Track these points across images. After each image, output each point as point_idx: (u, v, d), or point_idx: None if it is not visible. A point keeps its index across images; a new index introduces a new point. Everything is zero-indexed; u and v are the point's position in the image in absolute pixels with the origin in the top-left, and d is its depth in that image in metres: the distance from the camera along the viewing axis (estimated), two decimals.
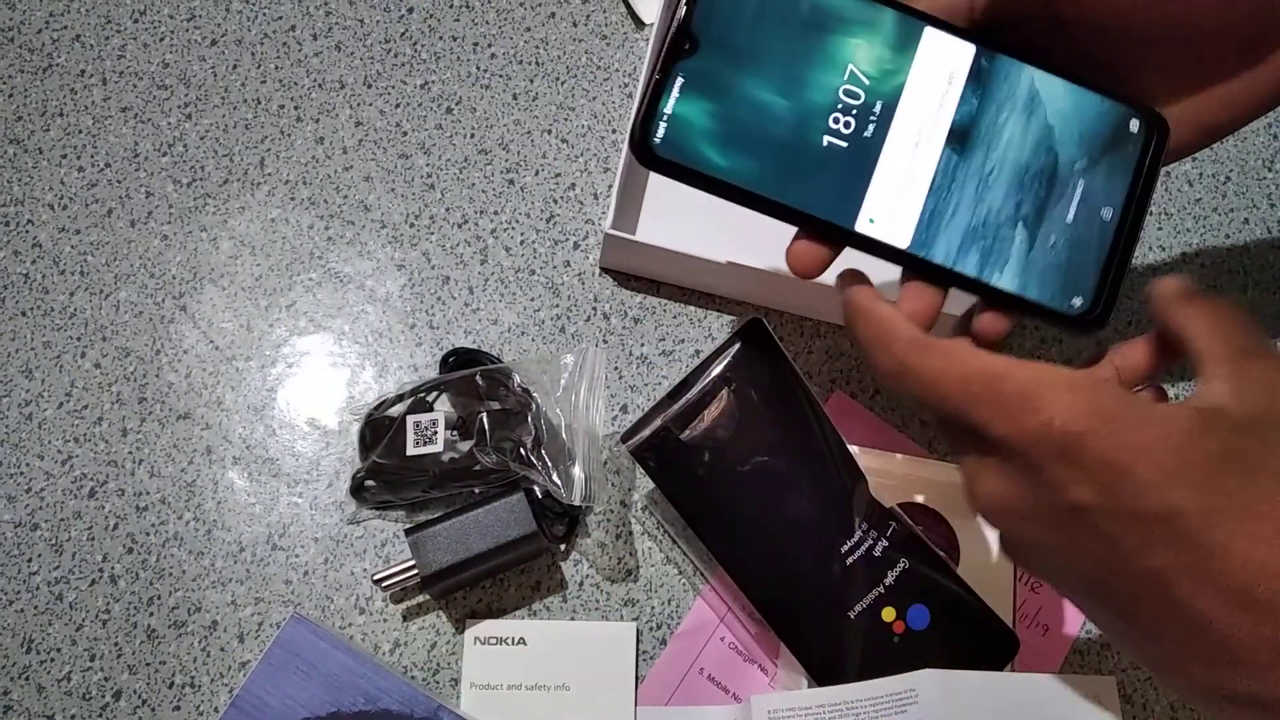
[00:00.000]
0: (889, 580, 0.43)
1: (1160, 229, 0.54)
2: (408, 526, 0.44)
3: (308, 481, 0.48)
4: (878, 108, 0.33)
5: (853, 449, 0.45)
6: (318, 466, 0.48)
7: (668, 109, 0.33)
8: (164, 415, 0.48)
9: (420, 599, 0.46)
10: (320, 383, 0.49)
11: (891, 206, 0.33)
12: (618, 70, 0.56)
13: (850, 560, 0.43)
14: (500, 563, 0.44)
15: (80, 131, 0.52)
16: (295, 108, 0.54)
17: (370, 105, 0.54)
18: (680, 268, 0.50)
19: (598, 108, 0.55)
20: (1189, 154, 0.36)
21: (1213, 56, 0.33)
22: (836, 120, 0.33)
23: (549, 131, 0.54)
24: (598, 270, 0.52)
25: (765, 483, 0.43)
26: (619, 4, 0.57)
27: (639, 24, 0.56)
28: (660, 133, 0.33)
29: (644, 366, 0.50)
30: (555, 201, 0.53)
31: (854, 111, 0.33)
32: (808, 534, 0.43)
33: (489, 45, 0.56)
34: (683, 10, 0.33)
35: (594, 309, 0.51)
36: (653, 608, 0.47)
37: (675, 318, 0.51)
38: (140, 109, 0.53)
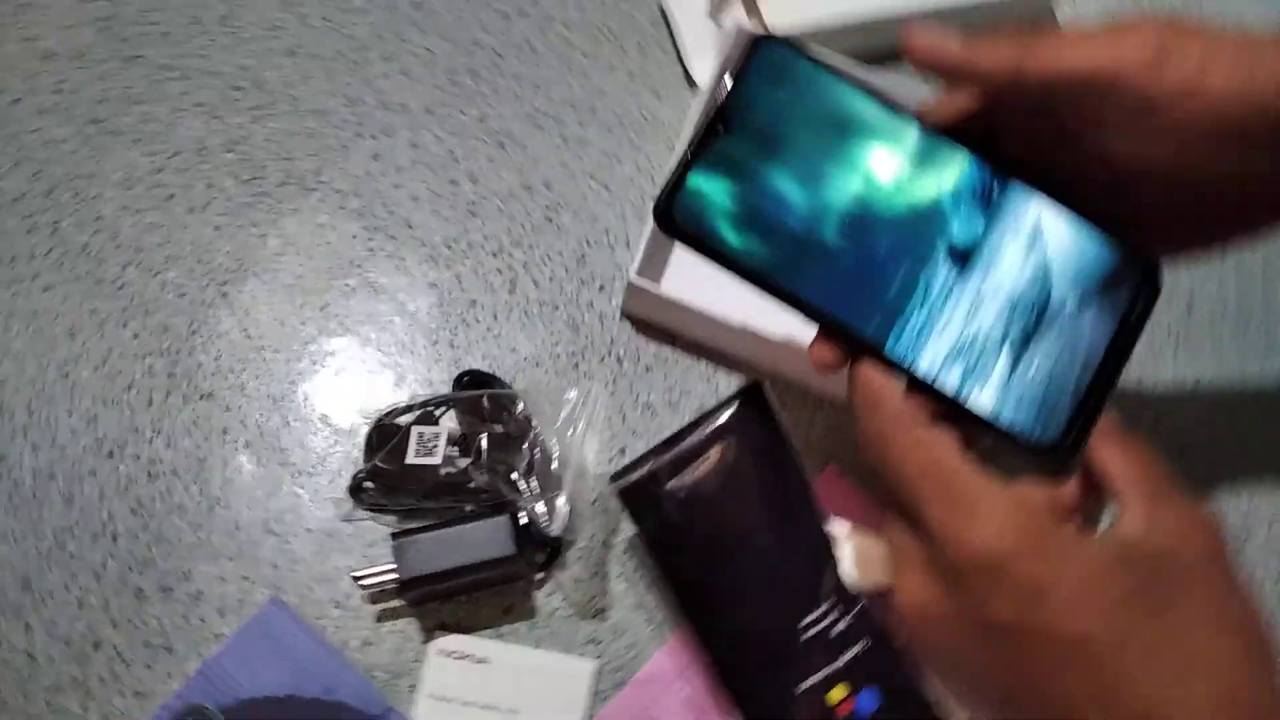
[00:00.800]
0: (846, 658, 0.43)
1: (1175, 354, 0.54)
2: (394, 531, 0.46)
3: (311, 474, 0.50)
4: (886, 217, 0.35)
5: (836, 524, 0.46)
6: (324, 462, 0.50)
7: (693, 184, 0.35)
8: (189, 392, 0.51)
9: (396, 603, 0.48)
10: (339, 383, 0.52)
11: (884, 312, 0.35)
12: (666, 125, 0.58)
13: (810, 634, 0.44)
14: (475, 580, 0.46)
15: (155, 120, 0.56)
16: (357, 123, 0.57)
17: (427, 130, 0.57)
18: (697, 324, 0.52)
19: (642, 159, 0.57)
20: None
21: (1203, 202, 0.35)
22: (846, 223, 0.35)
23: (593, 176, 0.56)
24: (618, 315, 0.54)
25: (740, 544, 0.45)
26: (675, 63, 0.60)
27: (692, 84, 0.59)
28: (682, 204, 0.35)
29: (648, 413, 0.52)
30: (589, 244, 0.55)
31: (864, 218, 0.35)
32: (772, 601, 0.44)
33: (548, 88, 0.58)
34: (723, 95, 0.35)
35: (609, 351, 0.53)
36: (616, 650, 0.48)
37: (686, 371, 0.53)
38: (213, 106, 0.56)
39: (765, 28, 0.56)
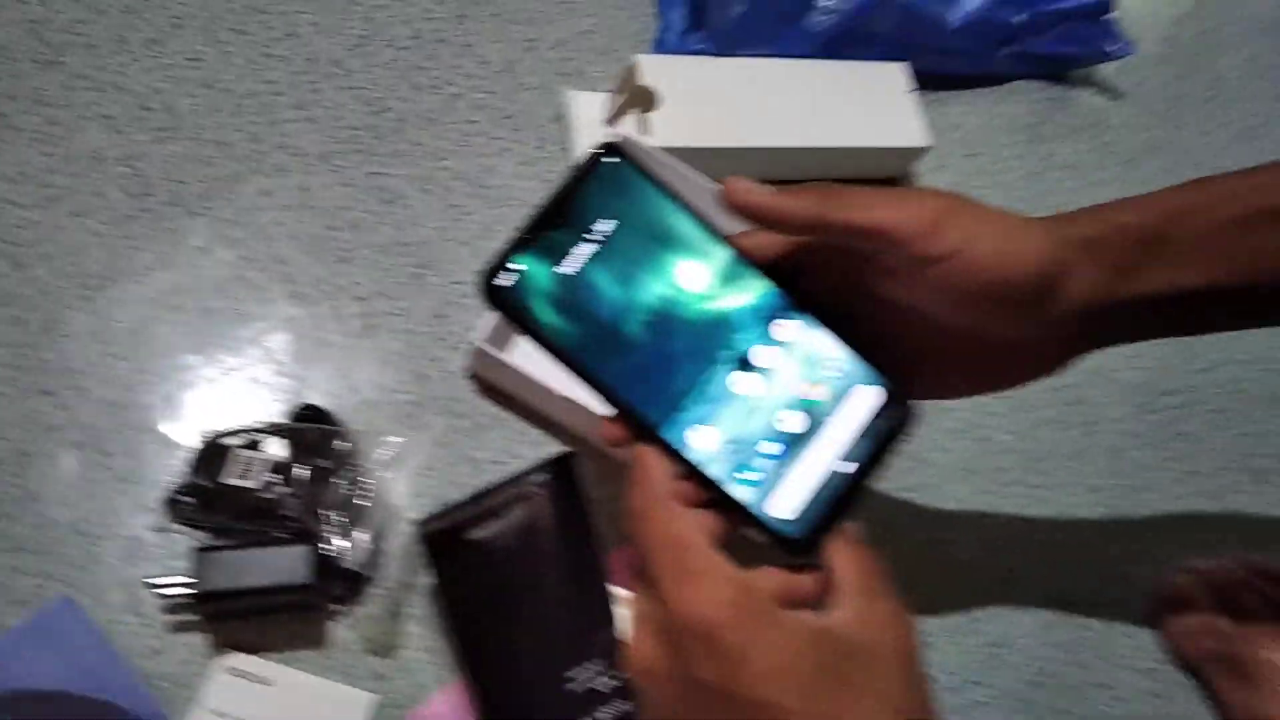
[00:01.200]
0: (609, 713, 0.46)
1: (963, 483, 0.59)
2: (198, 545, 0.48)
3: (133, 483, 0.52)
4: (687, 321, 0.39)
5: (624, 592, 0.49)
6: (147, 472, 0.52)
7: (519, 264, 0.38)
8: (29, 385, 0.52)
9: (192, 617, 0.49)
10: (181, 399, 0.54)
11: (671, 403, 0.38)
12: None
13: (570, 687, 0.46)
14: (269, 603, 0.48)
15: (59, 124, 0.59)
16: (254, 159, 0.60)
17: (319, 176, 0.61)
18: (535, 394, 0.55)
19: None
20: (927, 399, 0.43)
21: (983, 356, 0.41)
22: (651, 321, 0.39)
23: (467, 245, 0.61)
24: (465, 375, 0.57)
25: (526, 599, 0.48)
26: (565, 157, 0.65)
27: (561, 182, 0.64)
28: (506, 280, 0.38)
29: (473, 469, 0.55)
30: (451, 305, 0.59)
31: (667, 318, 0.39)
32: (547, 653, 0.47)
33: (443, 158, 0.63)
34: (562, 188, 0.39)
35: (448, 407, 0.56)
36: (399, 688, 0.50)
37: (519, 436, 0.56)
38: (119, 121, 0.60)
39: (650, 140, 0.62)
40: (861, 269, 0.40)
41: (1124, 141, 0.77)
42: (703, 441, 0.38)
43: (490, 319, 0.54)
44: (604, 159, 0.39)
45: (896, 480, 0.58)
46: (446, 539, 0.48)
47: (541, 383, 0.53)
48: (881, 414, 0.40)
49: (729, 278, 0.40)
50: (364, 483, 0.49)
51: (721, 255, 0.40)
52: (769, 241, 0.41)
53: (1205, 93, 0.82)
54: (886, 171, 0.70)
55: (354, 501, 0.49)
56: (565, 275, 0.38)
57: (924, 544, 0.57)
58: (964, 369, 0.43)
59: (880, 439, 0.39)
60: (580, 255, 0.39)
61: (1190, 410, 0.65)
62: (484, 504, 0.49)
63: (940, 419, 0.61)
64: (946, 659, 0.55)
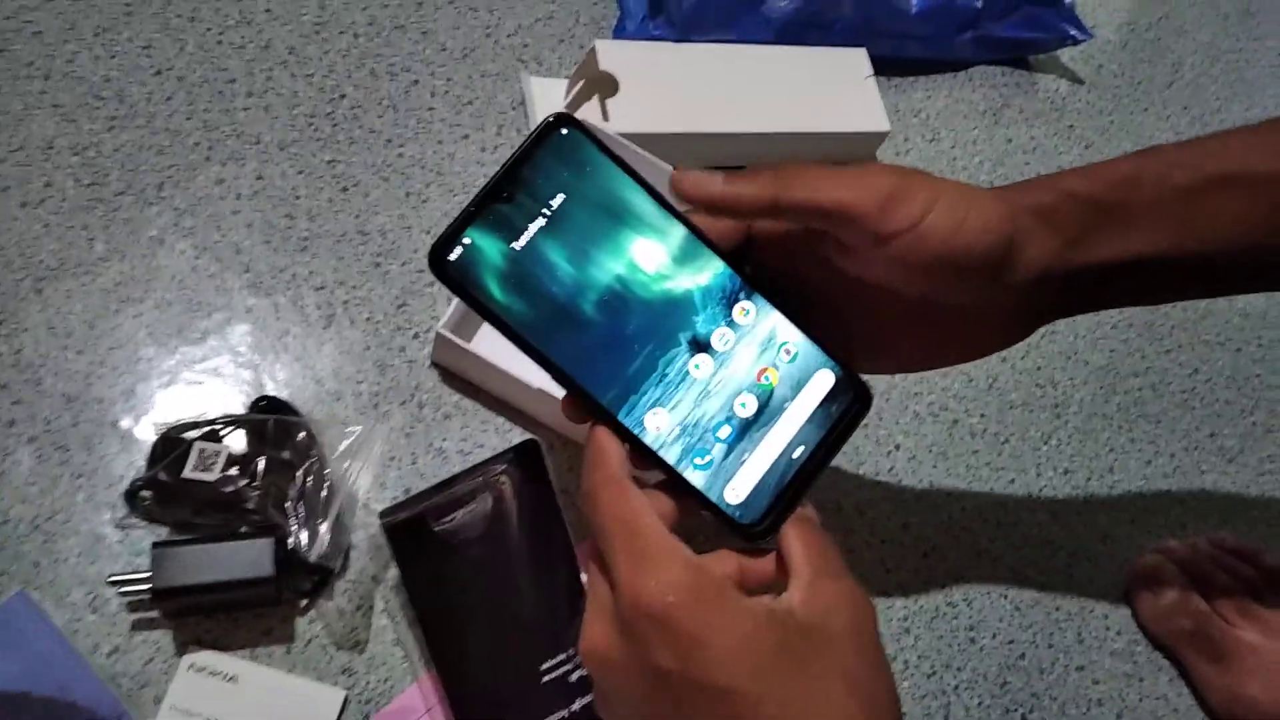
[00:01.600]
0: (577, 706, 0.46)
1: (935, 466, 0.59)
2: (156, 540, 0.46)
3: (91, 477, 0.50)
4: (640, 301, 0.38)
5: None
6: (106, 466, 0.51)
7: (469, 238, 0.37)
8: None
9: (154, 614, 0.48)
10: (138, 392, 0.52)
11: (624, 385, 0.38)
12: None
13: (546, 679, 0.46)
14: (231, 598, 0.46)
15: (7, 113, 0.57)
16: (208, 148, 0.59)
17: (276, 165, 0.59)
18: (500, 381, 0.54)
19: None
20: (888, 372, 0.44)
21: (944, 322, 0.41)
22: (604, 300, 0.38)
23: (427, 233, 0.60)
24: (428, 363, 0.56)
25: (494, 589, 0.47)
26: None
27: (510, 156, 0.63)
28: (456, 254, 0.37)
29: (439, 459, 0.54)
30: (411, 294, 0.58)
31: (620, 297, 0.38)
32: (518, 645, 0.46)
33: (401, 145, 0.62)
34: (512, 161, 0.38)
35: (412, 395, 0.55)
36: (368, 683, 0.49)
37: (483, 424, 0.55)
38: (70, 110, 0.58)
39: (609, 126, 0.61)
40: (818, 246, 0.40)
41: (1085, 125, 0.78)
42: (658, 424, 0.38)
43: (453, 307, 0.53)
44: (556, 130, 0.38)
45: (868, 464, 0.58)
46: (411, 530, 0.47)
47: (505, 370, 0.52)
48: (836, 399, 0.39)
49: (685, 257, 0.39)
50: (326, 474, 0.48)
51: (677, 234, 0.39)
52: (723, 222, 0.40)
53: (1165, 77, 0.83)
54: (847, 157, 0.70)
55: (317, 493, 0.48)
56: (516, 250, 0.38)
57: (897, 528, 0.57)
58: (923, 341, 0.43)
59: (834, 424, 0.39)
60: (532, 230, 0.38)
61: (1157, 392, 0.65)
62: (448, 493, 0.48)
63: (910, 403, 0.61)
64: (923, 644, 0.54)
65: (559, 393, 0.51)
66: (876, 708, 0.33)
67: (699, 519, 0.37)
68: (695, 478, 0.38)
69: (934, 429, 0.60)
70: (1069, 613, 0.57)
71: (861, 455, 0.58)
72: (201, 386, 0.53)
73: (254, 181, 0.59)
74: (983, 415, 0.62)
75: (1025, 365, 0.64)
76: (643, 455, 0.38)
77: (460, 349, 0.53)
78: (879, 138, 0.68)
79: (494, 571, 0.47)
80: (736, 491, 0.38)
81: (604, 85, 0.63)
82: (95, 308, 0.54)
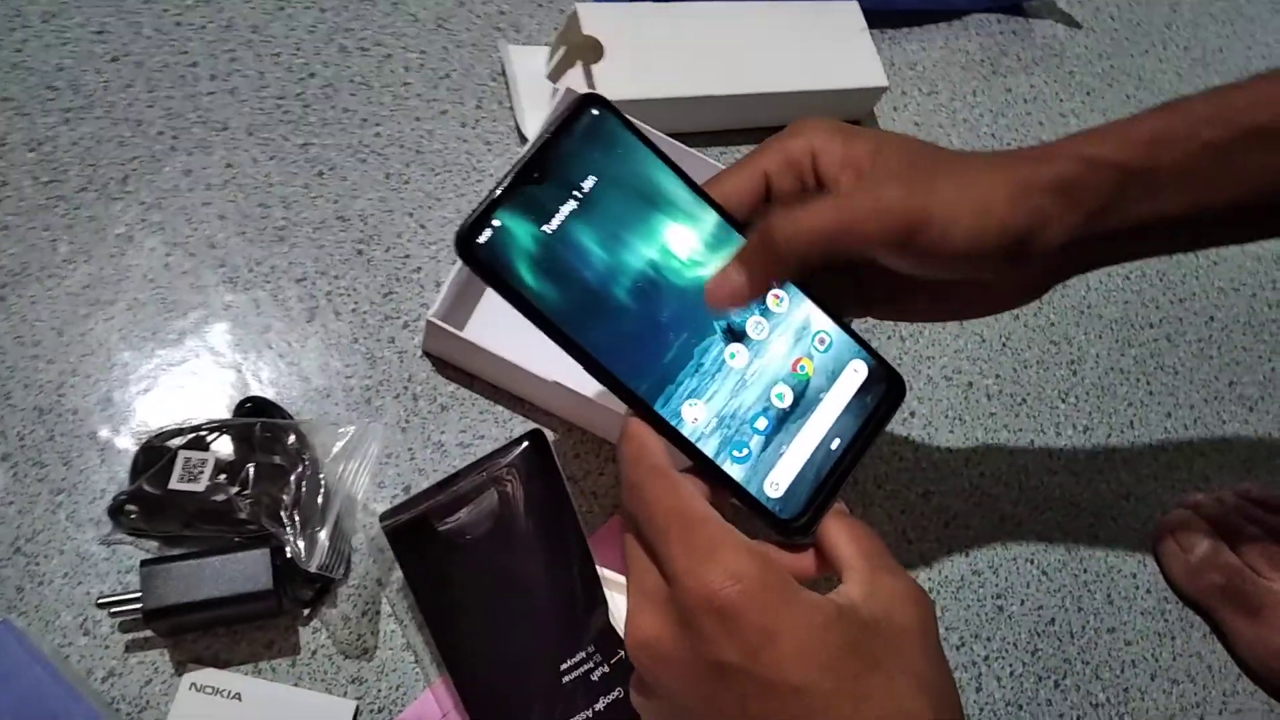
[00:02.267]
0: (600, 705, 0.44)
1: (952, 432, 0.57)
2: (145, 558, 0.44)
3: (72, 493, 0.47)
4: (673, 288, 0.37)
5: (610, 573, 0.46)
6: (87, 481, 0.48)
7: (499, 220, 0.35)
8: None
9: (148, 633, 0.45)
10: (116, 400, 0.50)
11: (659, 374, 0.36)
12: (493, 175, 0.59)
13: (568, 679, 0.44)
14: (228, 614, 0.44)
15: None
16: (173, 137, 0.56)
17: (246, 151, 0.56)
18: (496, 368, 0.52)
19: (464, 204, 0.58)
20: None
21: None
22: (638, 287, 0.36)
23: (410, 215, 0.57)
24: (420, 353, 0.54)
25: (507, 588, 0.44)
26: (509, 116, 0.61)
27: (523, 139, 0.60)
28: (485, 237, 0.35)
29: (438, 454, 0.52)
30: (398, 280, 0.55)
31: (653, 284, 0.36)
32: (532, 646, 0.44)
33: (377, 124, 0.59)
34: (542, 142, 0.36)
35: (405, 388, 0.53)
36: (379, 691, 0.47)
37: (482, 414, 0.53)
38: (22, 102, 0.55)
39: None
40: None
41: (1084, 71, 0.75)
42: (695, 416, 0.36)
43: (443, 292, 0.51)
44: (587, 110, 0.36)
45: (885, 432, 0.56)
46: (413, 532, 0.45)
47: (502, 356, 0.50)
48: (870, 390, 0.38)
49: (718, 243, 0.37)
50: (322, 478, 0.46)
51: (709, 219, 0.37)
52: (740, 190, 0.38)
53: (1163, 17, 0.81)
54: (845, 114, 0.68)
55: (313, 499, 0.45)
56: (548, 233, 0.36)
57: (917, 498, 0.55)
58: (939, 305, 0.41)
59: (870, 415, 0.38)
60: (564, 212, 0.36)
61: (1174, 342, 0.63)
62: (452, 490, 0.45)
63: (923, 368, 0.58)
64: (950, 615, 0.53)
65: (559, 378, 0.49)
66: (946, 706, 0.31)
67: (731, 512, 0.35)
68: (734, 471, 0.36)
69: (949, 393, 0.58)
70: (1096, 574, 0.55)
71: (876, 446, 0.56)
72: (182, 391, 0.50)
73: (223, 170, 0.55)
74: (998, 376, 0.60)
75: (1038, 322, 0.62)
76: (679, 447, 0.36)
77: (453, 336, 0.50)
78: (877, 93, 0.66)
79: (504, 570, 0.45)
80: (776, 485, 0.36)
81: (588, 51, 0.59)
82: (63, 313, 0.51)
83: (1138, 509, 0.57)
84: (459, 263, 0.51)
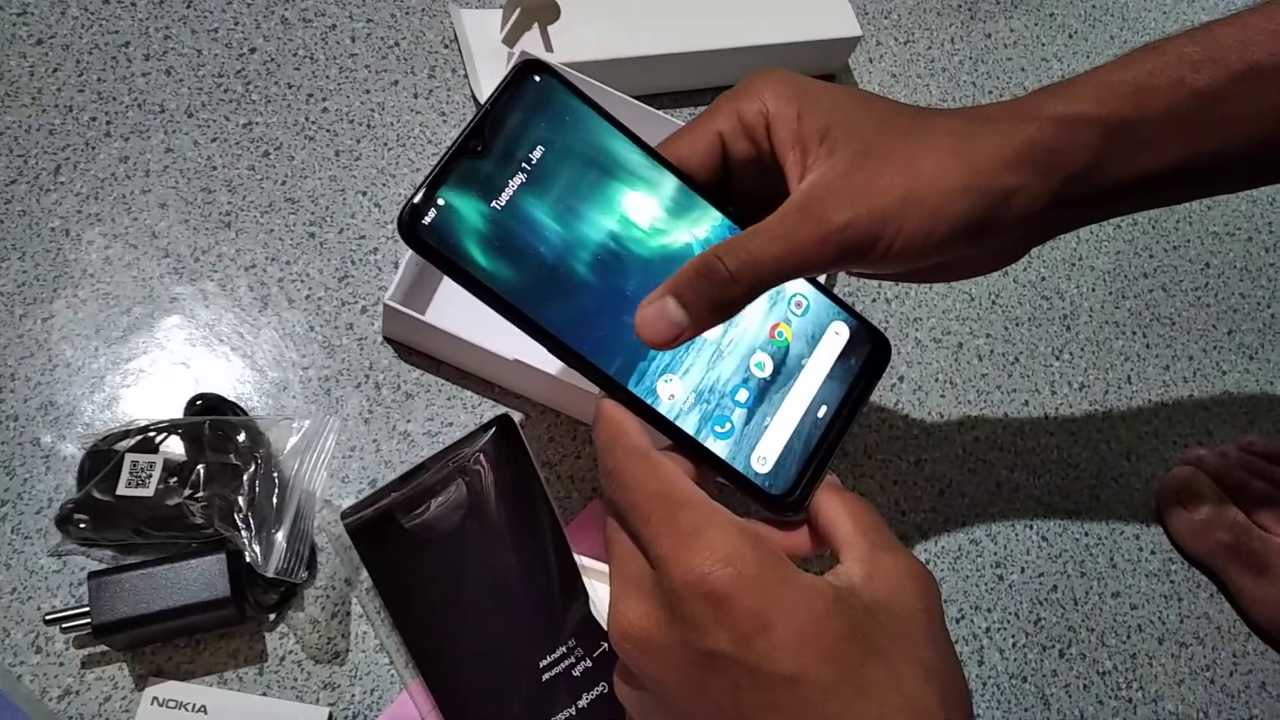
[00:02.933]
0: (583, 702, 0.41)
1: (943, 396, 0.55)
2: (92, 570, 0.41)
3: (15, 503, 0.45)
4: (636, 258, 0.34)
5: (589, 562, 0.44)
6: (32, 489, 0.45)
7: (443, 199, 0.33)
8: None
9: (104, 647, 0.43)
10: (58, 403, 0.47)
11: (629, 351, 0.34)
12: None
13: (548, 676, 0.41)
14: (187, 624, 0.42)
15: None
16: (107, 122, 0.52)
17: (186, 134, 0.53)
18: (462, 352, 0.49)
19: (419, 179, 0.54)
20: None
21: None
22: (597, 259, 0.34)
23: (364, 194, 0.54)
24: (380, 339, 0.51)
25: (478, 584, 0.42)
26: (464, 85, 0.58)
27: (480, 107, 0.57)
28: (430, 218, 0.33)
29: (405, 443, 0.49)
30: (353, 263, 0.52)
31: (614, 256, 0.34)
32: (510, 643, 0.42)
33: (324, 99, 0.55)
34: (483, 113, 0.34)
35: (366, 377, 0.50)
36: (353, 695, 0.44)
37: (449, 400, 0.50)
38: None
39: (554, 57, 0.55)
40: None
41: (1066, 12, 0.72)
42: (671, 392, 0.34)
43: (400, 274, 0.48)
44: (528, 77, 0.34)
45: (873, 400, 0.54)
46: (377, 529, 0.42)
47: (465, 339, 0.47)
48: (854, 352, 0.36)
49: (679, 209, 0.35)
50: (275, 475, 0.43)
51: (669, 184, 0.35)
52: (694, 153, 0.36)
53: None
54: (818, 68, 0.65)
55: (268, 499, 0.42)
56: (497, 209, 0.33)
57: (909, 467, 0.53)
58: (916, 273, 0.38)
59: (856, 379, 0.36)
60: (512, 186, 0.33)
61: (1169, 292, 0.61)
62: (417, 483, 0.43)
63: (910, 330, 0.56)
64: (948, 587, 0.51)
65: (527, 359, 0.47)
66: (955, 694, 0.29)
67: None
68: (718, 448, 0.34)
69: (938, 355, 0.56)
70: (1098, 537, 0.53)
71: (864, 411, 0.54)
72: (130, 391, 0.48)
73: (163, 155, 0.52)
74: (988, 335, 0.57)
75: (1028, 278, 0.59)
76: (657, 427, 0.34)
77: (414, 320, 0.48)
78: (850, 44, 0.62)
79: (476, 565, 0.42)
80: (764, 459, 0.34)
81: (544, 12, 0.56)
82: None
83: (1139, 468, 0.55)
84: None
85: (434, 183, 0.33)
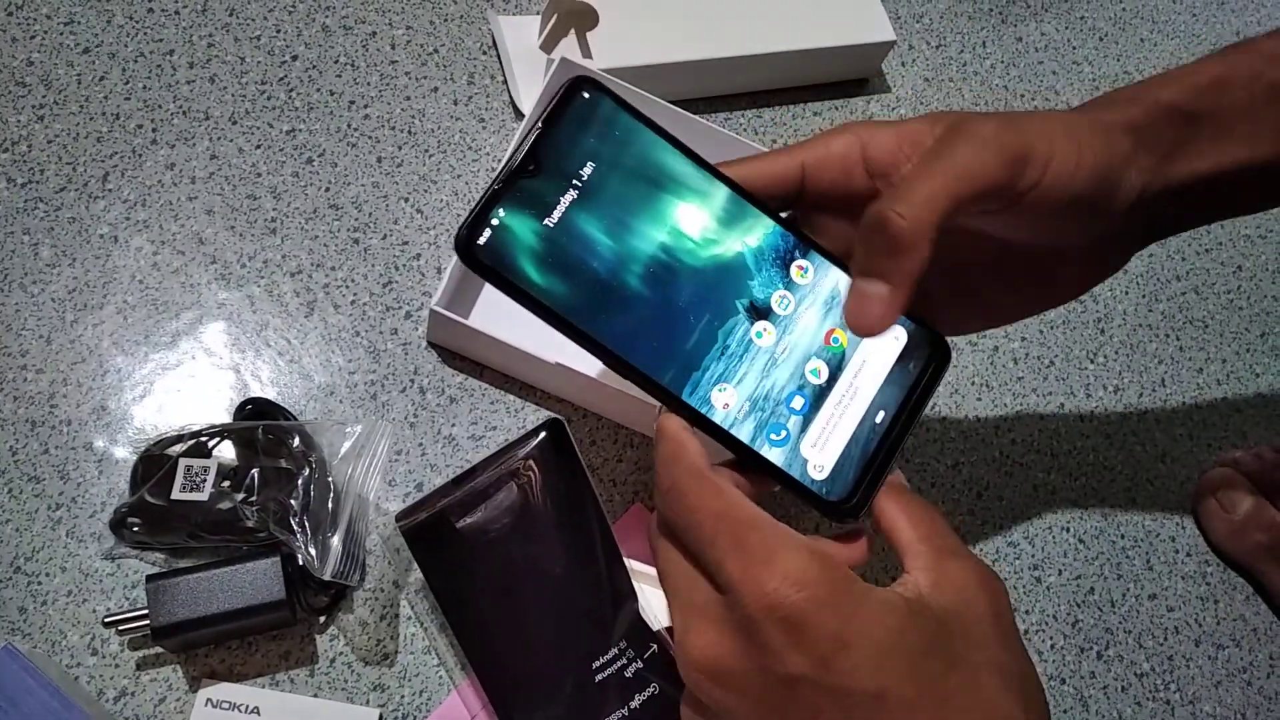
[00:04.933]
0: (635, 703, 0.42)
1: (979, 399, 0.55)
2: (150, 573, 0.42)
3: (70, 507, 0.45)
4: (689, 269, 0.35)
5: (637, 564, 0.45)
6: (85, 493, 0.46)
7: (497, 219, 0.33)
8: None
9: (159, 649, 0.44)
10: (110, 408, 0.47)
11: (683, 362, 0.34)
12: (488, 154, 0.56)
13: (600, 677, 0.42)
14: (241, 626, 0.42)
15: None
16: (153, 130, 0.53)
17: (231, 141, 0.54)
18: (505, 356, 0.50)
19: (460, 185, 0.55)
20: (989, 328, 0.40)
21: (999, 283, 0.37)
22: (650, 272, 0.34)
23: (406, 200, 0.54)
24: (424, 343, 0.51)
25: (530, 586, 0.43)
26: (503, 91, 0.58)
27: (519, 114, 0.57)
28: (485, 238, 0.33)
29: (450, 447, 0.50)
30: (397, 268, 0.53)
31: (667, 268, 0.34)
32: (562, 644, 0.42)
33: (365, 106, 0.56)
34: (535, 134, 0.34)
35: (411, 381, 0.50)
36: (403, 697, 0.45)
37: (493, 404, 0.51)
38: None
39: (592, 64, 0.56)
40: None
41: (1096, 15, 0.73)
42: (726, 401, 0.34)
43: (445, 279, 0.48)
44: (577, 94, 0.34)
45: None
46: (432, 531, 0.43)
47: (509, 343, 0.48)
48: (912, 356, 0.36)
49: (730, 218, 0.35)
50: (330, 481, 0.44)
51: (719, 194, 0.35)
52: (772, 178, 0.36)
53: None
54: (852, 73, 0.65)
55: (323, 504, 0.43)
56: (550, 227, 0.34)
57: (947, 470, 0.53)
58: (1012, 288, 0.38)
59: (914, 383, 0.36)
60: (564, 203, 0.34)
61: (1201, 295, 0.61)
62: (469, 486, 0.43)
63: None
64: None
65: (571, 364, 0.47)
66: (1033, 698, 0.29)
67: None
68: (774, 455, 0.34)
69: (973, 359, 0.56)
70: (1134, 540, 0.53)
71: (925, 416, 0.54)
72: (180, 395, 0.48)
73: (208, 162, 0.53)
74: (1024, 339, 0.58)
75: None
76: (713, 436, 0.34)
77: (458, 325, 0.48)
78: (884, 48, 0.63)
79: (528, 566, 0.43)
80: (821, 467, 0.34)
81: (581, 18, 0.57)
82: (50, 320, 0.48)
83: (1174, 470, 0.55)
84: None
85: (489, 203, 0.33)
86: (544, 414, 0.51)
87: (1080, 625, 0.51)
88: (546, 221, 0.34)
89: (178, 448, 0.45)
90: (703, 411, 0.34)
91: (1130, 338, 0.59)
